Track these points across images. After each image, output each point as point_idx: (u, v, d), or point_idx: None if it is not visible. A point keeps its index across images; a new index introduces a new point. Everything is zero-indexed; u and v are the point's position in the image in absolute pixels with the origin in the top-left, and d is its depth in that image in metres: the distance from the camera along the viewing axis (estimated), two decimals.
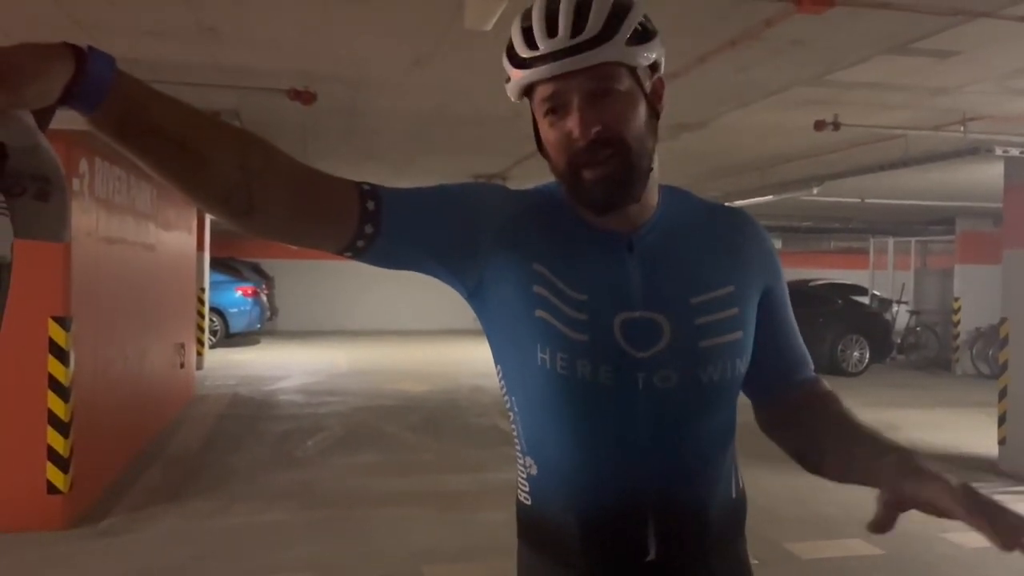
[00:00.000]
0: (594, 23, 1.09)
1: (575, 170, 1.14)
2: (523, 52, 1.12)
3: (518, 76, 1.13)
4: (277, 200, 1.08)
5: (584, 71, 1.10)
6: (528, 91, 1.16)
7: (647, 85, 1.16)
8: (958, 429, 8.35)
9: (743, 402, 1.29)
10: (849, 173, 8.31)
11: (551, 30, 1.09)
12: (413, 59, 4.75)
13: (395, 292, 17.56)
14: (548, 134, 1.16)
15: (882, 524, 0.98)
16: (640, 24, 1.12)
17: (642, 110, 1.14)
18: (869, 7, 3.59)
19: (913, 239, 15.81)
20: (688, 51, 4.27)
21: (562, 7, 1.10)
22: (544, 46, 1.09)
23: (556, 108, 1.13)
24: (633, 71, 1.13)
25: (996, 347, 8.88)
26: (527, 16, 1.13)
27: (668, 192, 1.26)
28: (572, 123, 1.12)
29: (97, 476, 5.35)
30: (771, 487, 5.26)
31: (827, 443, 1.21)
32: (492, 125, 6.65)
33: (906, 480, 1.00)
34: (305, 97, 5.35)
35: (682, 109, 5.79)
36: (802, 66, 4.73)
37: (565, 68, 1.09)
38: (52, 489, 4.72)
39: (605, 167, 1.12)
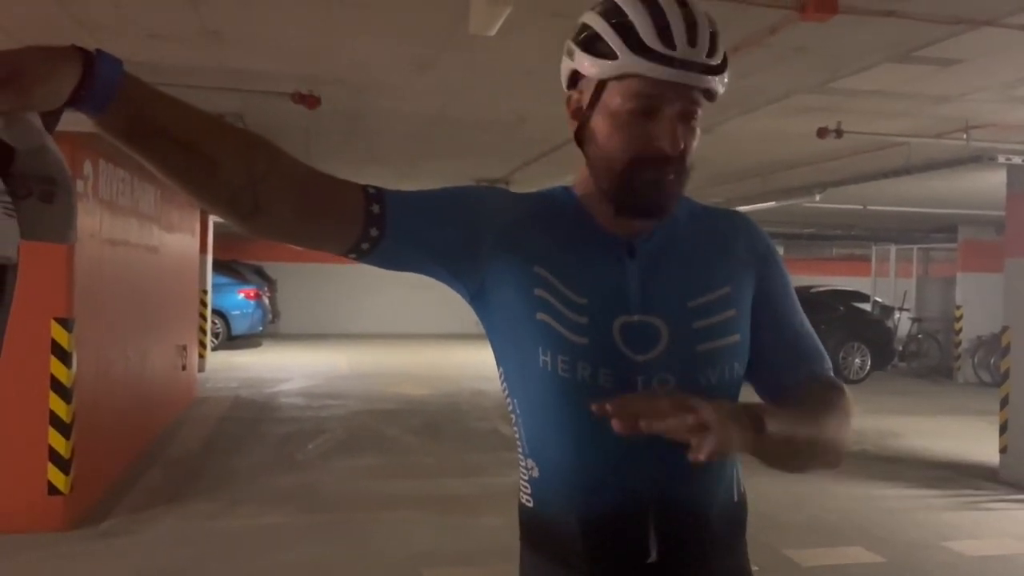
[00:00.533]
0: (719, 52, 1.12)
1: (637, 171, 1.14)
2: (654, 44, 1.09)
3: (631, 62, 1.10)
4: (282, 202, 1.09)
5: (689, 89, 1.12)
6: (619, 77, 1.13)
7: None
8: (959, 437, 8.33)
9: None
10: (851, 180, 8.31)
11: (692, 40, 1.10)
12: (417, 63, 4.76)
13: (397, 296, 17.56)
14: (619, 128, 1.14)
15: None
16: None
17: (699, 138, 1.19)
18: (873, 15, 3.61)
19: (915, 246, 15.80)
20: None
21: (702, 22, 1.11)
22: (682, 52, 1.09)
23: (647, 109, 1.13)
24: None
25: (998, 355, 8.87)
26: (659, 11, 1.10)
27: None
28: (661, 131, 1.12)
29: (98, 477, 5.36)
30: (772, 493, 5.26)
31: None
32: (495, 130, 6.67)
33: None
34: (309, 101, 5.36)
35: None
36: (805, 73, 4.73)
37: (691, 81, 1.11)
38: (53, 490, 4.73)
39: (669, 183, 1.15)
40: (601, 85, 1.15)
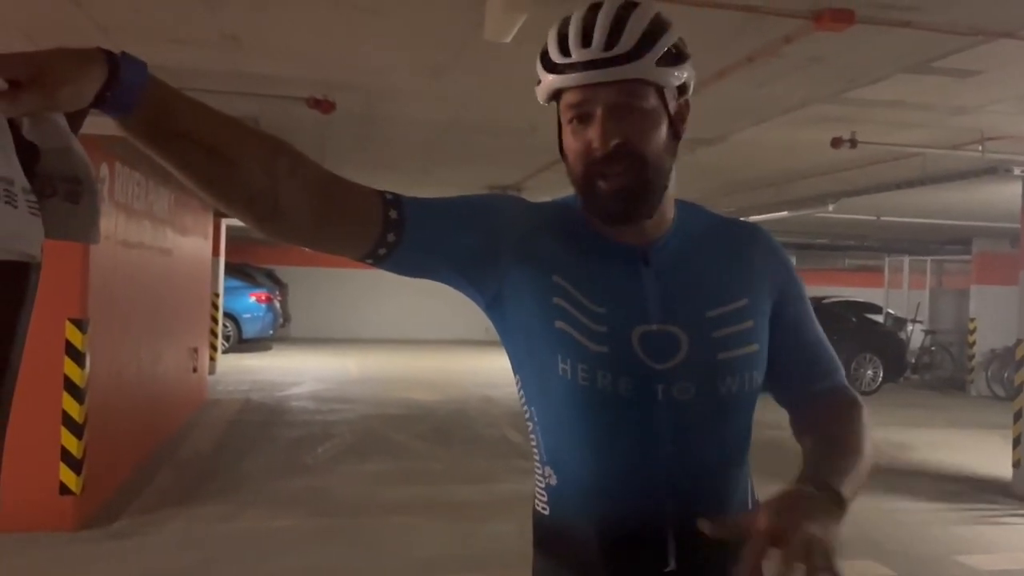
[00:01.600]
0: (628, 39, 1.11)
1: (591, 179, 1.16)
2: (556, 58, 1.14)
3: (548, 80, 1.16)
4: (301, 205, 1.09)
5: (612, 85, 1.12)
6: (556, 96, 1.18)
7: (672, 106, 1.18)
8: (972, 451, 8.26)
9: (758, 419, 1.29)
10: (865, 191, 8.28)
11: (586, 40, 1.12)
12: (431, 70, 4.78)
13: (407, 301, 17.59)
14: (570, 141, 1.18)
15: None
16: (673, 46, 1.15)
17: (663, 129, 1.16)
18: (889, 25, 3.59)
19: (929, 258, 15.71)
20: (706, 66, 4.28)
21: (599, 19, 1.12)
22: (576, 55, 1.12)
23: (580, 117, 1.15)
24: (660, 90, 1.15)
25: (1012, 369, 8.79)
26: (565, 23, 1.16)
27: (683, 207, 1.28)
28: (593, 133, 1.14)
29: (109, 478, 5.38)
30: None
31: (809, 456, 1.22)
32: (508, 136, 6.68)
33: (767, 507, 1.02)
34: (324, 106, 5.39)
35: (699, 124, 5.74)
36: (820, 83, 4.72)
37: (593, 79, 1.12)
38: (64, 490, 4.75)
39: (620, 179, 1.14)
40: (556, 106, 1.20)
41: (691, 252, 1.23)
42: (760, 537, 0.97)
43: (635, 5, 1.14)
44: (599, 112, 1.13)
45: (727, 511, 1.19)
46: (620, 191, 1.14)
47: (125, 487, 5.67)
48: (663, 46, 1.13)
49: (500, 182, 9.45)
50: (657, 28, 1.13)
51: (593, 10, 1.14)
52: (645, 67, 1.12)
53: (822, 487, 1.06)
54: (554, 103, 1.20)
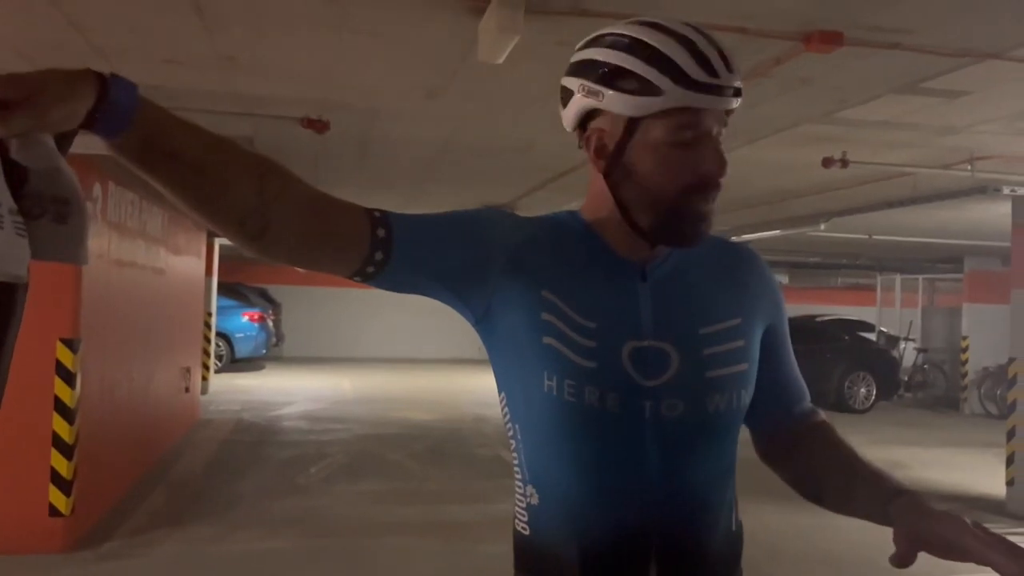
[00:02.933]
0: (739, 72, 1.14)
1: (687, 201, 1.15)
2: (697, 75, 1.10)
3: (677, 94, 1.10)
4: (290, 225, 1.09)
5: (722, 112, 1.15)
6: (662, 111, 1.14)
7: None
8: (966, 469, 8.26)
9: (743, 436, 1.29)
10: (857, 210, 8.32)
11: (727, 64, 1.12)
12: (426, 90, 4.80)
13: (401, 320, 17.57)
14: (665, 158, 1.14)
15: (904, 558, 1.05)
16: None
17: None
18: (878, 47, 3.63)
19: (920, 276, 15.78)
20: None
21: (722, 46, 1.14)
22: (724, 78, 1.12)
23: (694, 139, 1.15)
24: None
25: (1004, 387, 8.81)
26: (689, 42, 1.11)
27: None
28: (708, 156, 1.14)
29: (99, 499, 5.34)
30: (774, 523, 5.21)
31: (827, 475, 1.26)
32: (503, 156, 6.70)
33: (921, 520, 1.07)
34: (319, 126, 5.41)
35: None
36: (811, 103, 4.76)
37: (727, 105, 1.14)
38: (54, 511, 4.70)
39: (711, 205, 1.17)
40: (634, 121, 1.14)
41: (686, 269, 1.24)
42: None
43: None
44: (714, 136, 1.15)
45: (711, 531, 1.19)
46: (710, 216, 1.17)
47: (116, 508, 5.62)
48: None
49: (495, 201, 9.47)
50: None
51: (701, 34, 1.14)
52: (741, 102, 1.16)
53: (907, 491, 1.14)
54: (618, 118, 1.15)
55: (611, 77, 1.13)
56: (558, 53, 3.77)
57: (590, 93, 1.15)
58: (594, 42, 1.17)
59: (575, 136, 1.24)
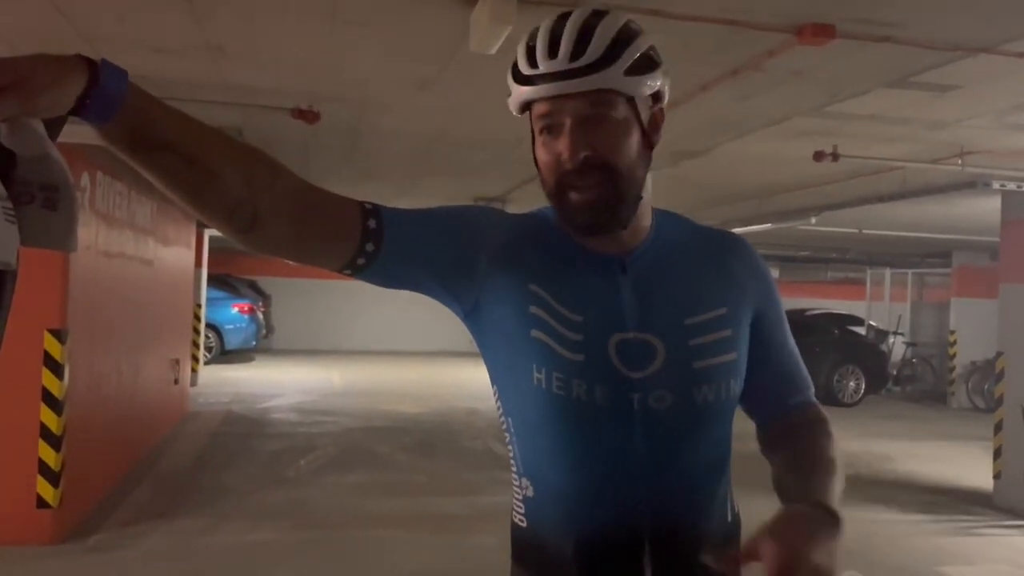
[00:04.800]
0: (595, 49, 1.10)
1: (562, 191, 1.16)
2: (524, 69, 1.14)
3: (517, 92, 1.17)
4: (280, 217, 1.09)
5: (580, 95, 1.12)
6: (526, 108, 1.18)
7: (645, 114, 1.17)
8: (953, 462, 8.32)
9: (738, 428, 1.29)
10: (847, 204, 8.34)
11: (552, 51, 1.11)
12: (417, 81, 4.78)
13: (392, 312, 17.54)
14: (541, 153, 1.18)
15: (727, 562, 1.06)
16: (643, 54, 1.14)
17: (635, 139, 1.16)
18: (870, 40, 3.64)
19: (910, 271, 15.86)
20: (690, 79, 4.31)
21: (566, 30, 1.12)
22: (544, 66, 1.12)
23: (550, 128, 1.15)
24: (631, 100, 1.14)
25: (992, 381, 8.88)
26: (533, 35, 1.16)
27: (662, 216, 1.28)
28: (563, 145, 1.13)
29: (87, 491, 5.31)
30: (766, 515, 5.24)
31: (787, 473, 1.24)
32: (495, 148, 6.69)
33: (767, 532, 1.03)
34: (309, 116, 5.38)
35: (683, 136, 5.83)
36: (802, 97, 4.77)
37: (560, 90, 1.11)
38: (42, 503, 4.68)
39: (591, 191, 1.14)
40: (529, 117, 1.20)
41: (669, 260, 1.23)
42: (770, 568, 0.97)
43: (604, 14, 1.14)
44: (568, 123, 1.13)
45: (705, 522, 1.19)
46: (591, 203, 1.14)
47: (104, 500, 5.60)
48: (632, 54, 1.12)
49: (486, 194, 9.46)
50: (626, 36, 1.13)
51: (561, 20, 1.14)
52: (613, 77, 1.11)
53: (817, 508, 1.07)
54: (528, 114, 1.20)
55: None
56: None
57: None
58: None
59: None
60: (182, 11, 3.72)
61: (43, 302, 4.66)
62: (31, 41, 4.15)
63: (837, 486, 1.15)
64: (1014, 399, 6.60)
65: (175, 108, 1.01)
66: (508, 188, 8.98)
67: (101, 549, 4.77)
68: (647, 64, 1.14)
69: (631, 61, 1.12)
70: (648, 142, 1.18)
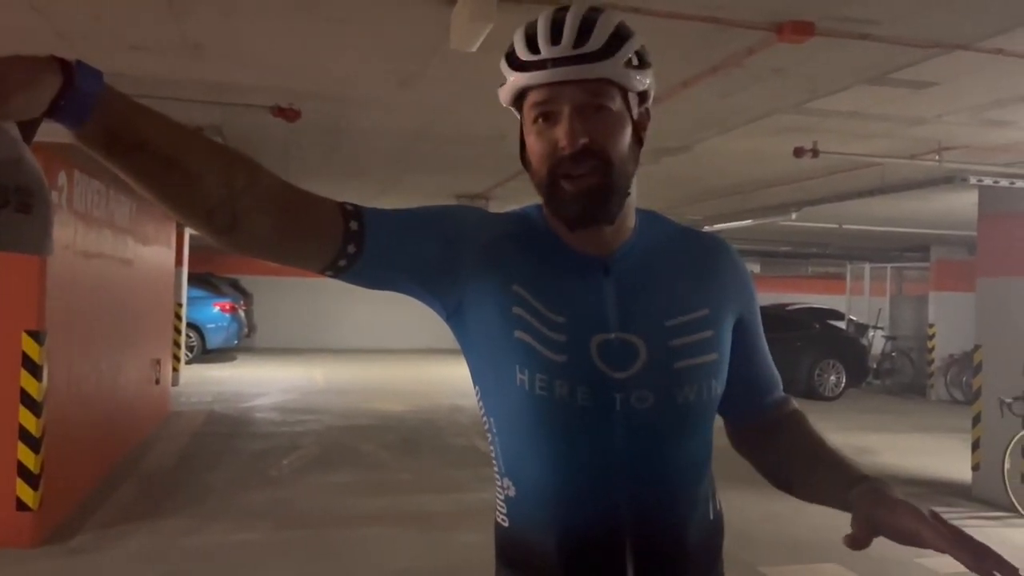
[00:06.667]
0: (597, 39, 1.12)
1: (555, 180, 1.15)
2: (523, 55, 1.14)
3: (515, 79, 1.16)
4: (260, 218, 1.08)
5: (580, 83, 1.12)
6: (520, 98, 1.18)
7: (635, 111, 1.18)
8: (933, 454, 8.42)
9: (718, 425, 1.30)
10: (827, 199, 8.41)
11: (555, 38, 1.12)
12: (399, 79, 4.77)
13: (374, 311, 17.48)
14: (534, 141, 1.17)
15: (859, 541, 1.05)
16: (638, 52, 1.16)
17: (628, 133, 1.17)
18: (849, 38, 3.66)
19: (889, 265, 16.01)
20: (672, 76, 4.33)
21: (568, 18, 1.13)
22: (546, 52, 1.12)
23: (546, 115, 1.15)
24: (625, 94, 1.16)
25: (970, 373, 8.98)
26: (532, 25, 1.16)
27: (644, 217, 1.28)
28: (560, 132, 1.13)
29: (68, 493, 5.26)
30: (746, 509, 5.26)
31: (796, 464, 1.27)
32: (477, 145, 6.68)
33: (879, 507, 1.07)
34: (289, 114, 5.34)
35: (664, 133, 5.85)
36: (782, 94, 4.79)
37: (563, 76, 1.12)
38: (21, 506, 4.64)
39: (585, 180, 1.14)
40: (519, 108, 1.19)
41: (652, 261, 1.24)
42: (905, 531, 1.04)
43: (601, 10, 1.16)
44: (567, 110, 1.13)
45: (687, 521, 1.20)
46: (585, 192, 1.14)
47: (85, 502, 5.55)
48: (630, 49, 1.14)
49: (468, 191, 9.44)
50: (624, 31, 1.15)
51: (562, 10, 1.15)
52: (613, 67, 1.12)
53: (867, 481, 1.14)
54: (513, 110, 1.20)
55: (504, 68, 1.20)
56: None
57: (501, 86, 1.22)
58: None
59: None
60: (160, 8, 3.69)
61: (20, 303, 4.61)
62: (6, 39, 4.10)
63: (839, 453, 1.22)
64: (992, 391, 6.68)
65: (152, 109, 1.00)
66: (490, 185, 8.98)
67: (82, 551, 4.73)
68: (640, 62, 1.17)
69: (628, 55, 1.14)
70: (638, 138, 1.19)
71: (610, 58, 1.12)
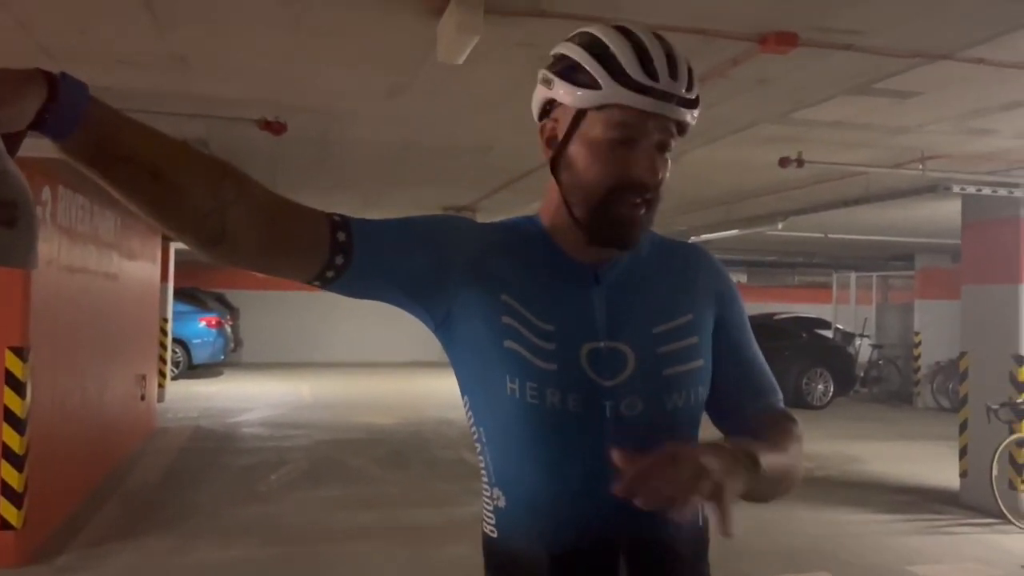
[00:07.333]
0: (696, 87, 1.16)
1: (613, 202, 1.16)
2: (638, 76, 1.11)
3: (617, 93, 1.12)
4: (248, 229, 1.08)
5: (667, 120, 1.15)
6: (586, 107, 1.15)
7: None
8: (920, 462, 8.45)
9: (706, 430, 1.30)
10: (812, 209, 8.46)
11: (673, 72, 1.13)
12: (386, 91, 4.76)
13: (361, 325, 17.42)
14: (599, 157, 1.15)
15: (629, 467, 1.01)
16: None
17: None
18: (832, 48, 3.69)
19: (875, 274, 16.11)
20: None
21: (679, 57, 1.15)
22: (664, 83, 1.12)
23: (627, 140, 1.14)
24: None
25: (956, 381, 9.03)
26: (640, 45, 1.13)
27: None
28: (643, 162, 1.14)
29: (53, 511, 5.20)
30: (737, 519, 5.27)
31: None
32: (464, 157, 6.68)
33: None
34: (275, 127, 5.33)
35: None
36: (767, 104, 4.82)
37: (669, 112, 1.13)
38: (5, 525, 4.58)
39: (638, 210, 1.17)
40: (580, 114, 1.16)
41: (639, 271, 1.26)
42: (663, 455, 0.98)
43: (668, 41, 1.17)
44: (648, 142, 1.15)
45: (678, 528, 1.19)
46: (636, 220, 1.17)
47: (70, 520, 5.48)
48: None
49: (455, 203, 9.45)
50: (694, 73, 1.17)
51: (659, 40, 1.15)
52: (695, 116, 1.16)
53: (740, 449, 1.07)
54: (572, 108, 1.17)
55: (564, 69, 1.17)
56: (518, 54, 3.76)
57: (545, 82, 1.20)
58: (570, 38, 1.20)
59: (536, 137, 1.25)
60: (145, 22, 3.67)
61: (4, 319, 4.57)
62: None
63: (777, 453, 1.14)
64: (978, 398, 6.72)
65: (138, 121, 0.99)
66: (477, 197, 8.98)
67: (68, 570, 4.67)
68: (699, 103, 1.20)
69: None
70: None
71: (697, 107, 1.16)
